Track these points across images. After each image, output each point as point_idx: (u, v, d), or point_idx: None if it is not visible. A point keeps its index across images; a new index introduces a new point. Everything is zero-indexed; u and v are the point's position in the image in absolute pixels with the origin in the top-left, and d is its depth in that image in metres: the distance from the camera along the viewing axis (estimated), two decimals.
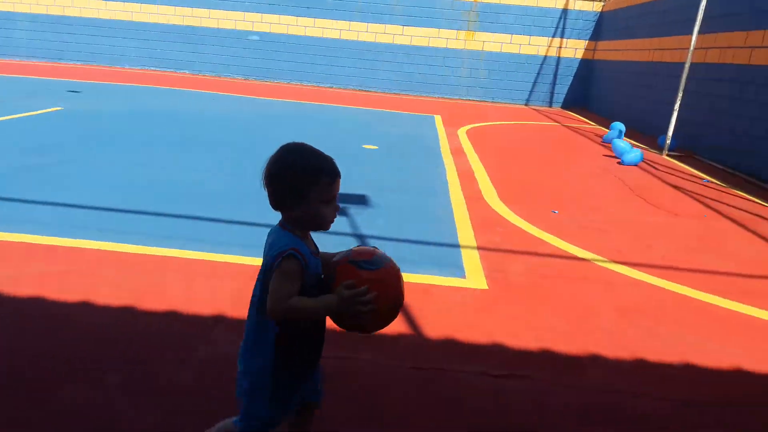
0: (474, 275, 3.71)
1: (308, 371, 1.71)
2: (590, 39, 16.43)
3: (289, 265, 1.53)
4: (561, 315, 3.24)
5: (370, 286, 1.54)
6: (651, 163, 8.46)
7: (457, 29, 16.52)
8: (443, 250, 4.17)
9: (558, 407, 2.39)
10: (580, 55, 16.56)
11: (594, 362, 2.76)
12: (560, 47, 16.46)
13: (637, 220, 5.36)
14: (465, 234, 4.52)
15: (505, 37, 16.46)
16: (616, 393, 2.52)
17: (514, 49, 16.53)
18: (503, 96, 16.91)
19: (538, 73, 16.69)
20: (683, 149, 9.78)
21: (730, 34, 9.08)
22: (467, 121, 11.70)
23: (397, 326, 2.93)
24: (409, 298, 3.24)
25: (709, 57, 9.67)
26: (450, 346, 2.80)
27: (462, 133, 10.09)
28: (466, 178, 6.50)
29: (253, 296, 1.64)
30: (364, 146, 7.98)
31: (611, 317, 3.26)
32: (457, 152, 8.08)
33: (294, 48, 16.98)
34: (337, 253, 1.69)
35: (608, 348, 2.90)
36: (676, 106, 9.13)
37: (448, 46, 16.66)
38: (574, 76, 16.69)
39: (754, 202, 6.50)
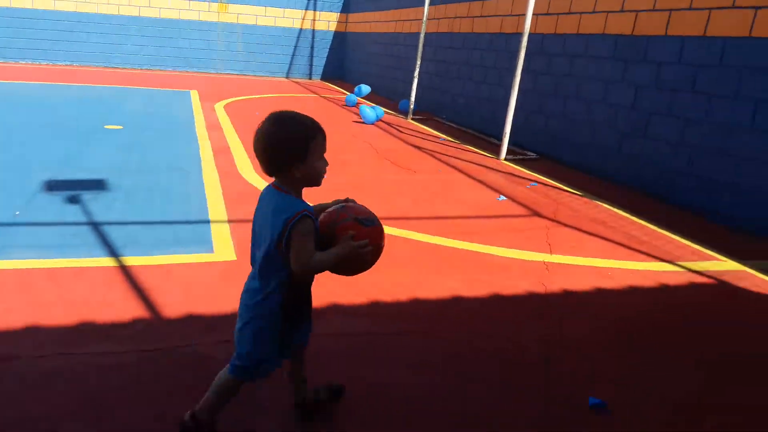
0: (223, 248, 3.67)
1: (305, 313, 1.96)
2: (342, 11, 17.04)
3: (306, 226, 1.72)
4: None
5: (369, 238, 1.83)
6: (397, 127, 9.15)
7: (209, 1, 15.90)
8: (191, 228, 4.05)
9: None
10: (333, 27, 17.10)
11: (333, 310, 2.94)
12: (314, 20, 16.81)
13: (382, 180, 5.77)
14: (216, 209, 4.44)
15: (260, 10, 16.28)
16: (350, 336, 2.72)
17: (269, 22, 16.46)
18: (263, 69, 16.81)
19: (296, 46, 16.88)
20: (425, 112, 10.74)
21: (457, 5, 10.12)
22: (225, 96, 11.41)
23: (132, 312, 2.79)
24: (148, 282, 3.11)
25: (442, 27, 10.67)
26: (189, 322, 2.74)
27: (219, 108, 9.82)
28: (222, 153, 6.36)
29: (258, 253, 1.80)
30: (106, 126, 7.33)
31: None
32: (214, 128, 7.86)
33: (20, 23, 14.81)
34: (332, 206, 1.92)
35: (346, 296, 3.10)
36: (416, 74, 9.95)
37: (201, 19, 15.97)
38: (329, 48, 17.21)
39: (480, 154, 7.42)
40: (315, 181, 1.80)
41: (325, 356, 2.53)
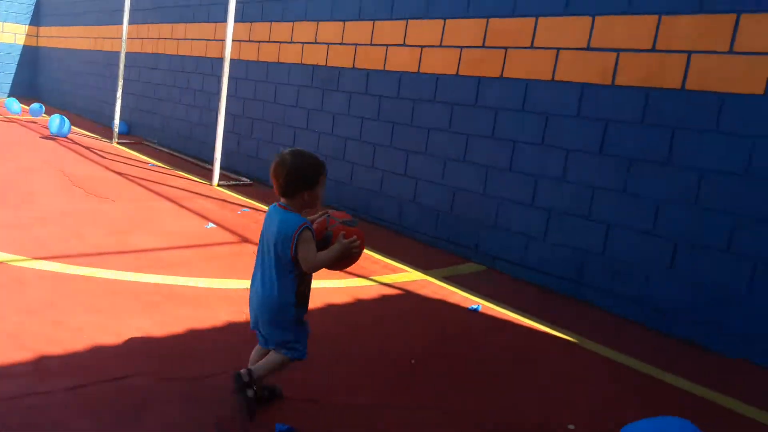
0: None
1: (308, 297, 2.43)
2: (31, 24, 15.07)
3: (308, 235, 2.25)
4: None
5: (356, 235, 2.31)
6: (99, 152, 8.37)
7: None
8: None
9: None
10: (22, 41, 15.01)
11: None
12: None
13: (73, 211, 5.17)
14: None
15: None
16: (3, 402, 2.32)
17: None
18: None
19: None
20: (134, 136, 10.04)
21: (160, 26, 9.70)
22: None
23: None
24: None
25: (146, 47, 10.12)
26: None
27: None
28: None
29: (269, 259, 2.30)
30: None
31: (17, 319, 3.00)
32: None
33: None
34: (318, 217, 2.39)
35: (9, 353, 2.65)
36: (119, 95, 9.25)
37: None
38: (18, 64, 15.07)
39: (192, 180, 7.16)
40: (315, 205, 2.33)
41: None
